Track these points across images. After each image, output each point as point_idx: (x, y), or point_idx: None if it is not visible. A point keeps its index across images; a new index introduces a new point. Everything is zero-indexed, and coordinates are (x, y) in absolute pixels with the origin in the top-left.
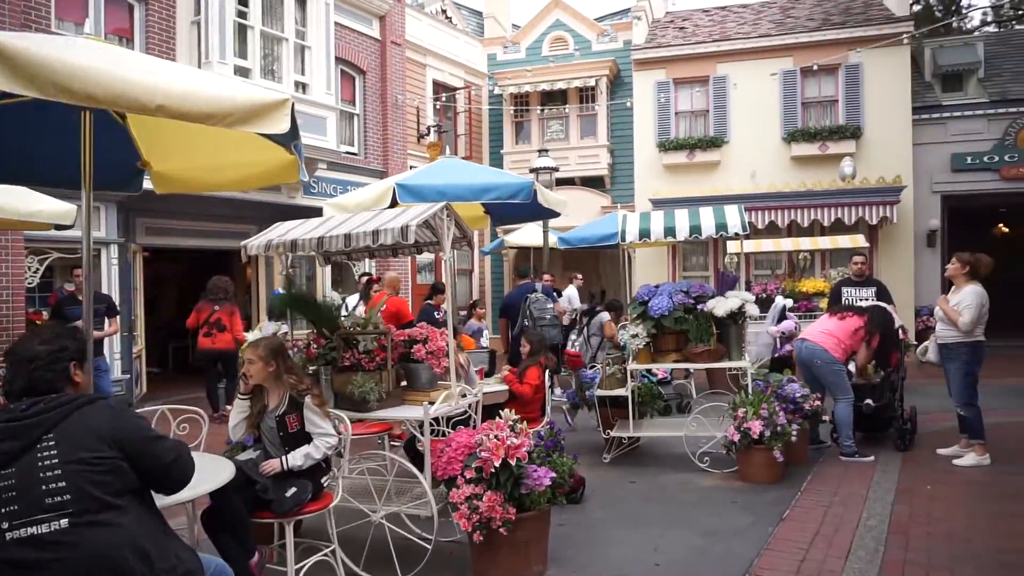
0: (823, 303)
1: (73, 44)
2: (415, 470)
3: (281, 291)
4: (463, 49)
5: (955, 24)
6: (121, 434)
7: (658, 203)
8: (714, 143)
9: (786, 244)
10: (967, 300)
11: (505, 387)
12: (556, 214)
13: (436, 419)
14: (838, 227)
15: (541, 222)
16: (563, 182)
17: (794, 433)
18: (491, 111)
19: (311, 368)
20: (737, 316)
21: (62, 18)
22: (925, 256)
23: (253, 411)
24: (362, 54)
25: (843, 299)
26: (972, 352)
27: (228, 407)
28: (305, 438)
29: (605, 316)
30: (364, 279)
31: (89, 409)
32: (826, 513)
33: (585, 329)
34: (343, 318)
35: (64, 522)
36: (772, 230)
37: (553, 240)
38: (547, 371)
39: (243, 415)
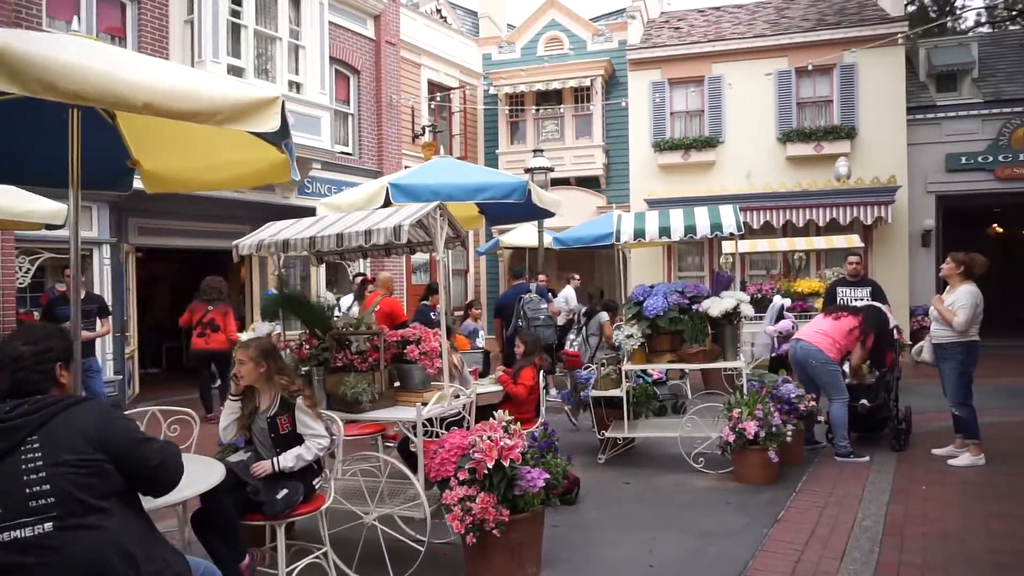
0: (818, 303)
1: (59, 41)
2: (408, 471)
3: (275, 291)
4: (458, 49)
5: (949, 24)
6: (107, 436)
7: (653, 203)
8: (709, 143)
9: (781, 244)
10: (962, 300)
11: (500, 388)
12: (551, 214)
13: (430, 420)
14: (833, 227)
15: (536, 222)
16: (558, 182)
17: (789, 434)
18: (486, 111)
19: (303, 369)
20: (732, 316)
21: (54, 16)
22: (920, 256)
23: (244, 412)
24: (356, 54)
25: (838, 299)
26: (967, 352)
27: (222, 408)
28: (297, 439)
29: (604, 316)
30: (358, 279)
31: (75, 411)
32: (821, 514)
33: (584, 329)
34: (337, 318)
35: (48, 526)
36: (767, 230)
37: (548, 240)
38: (541, 372)
39: (234, 416)
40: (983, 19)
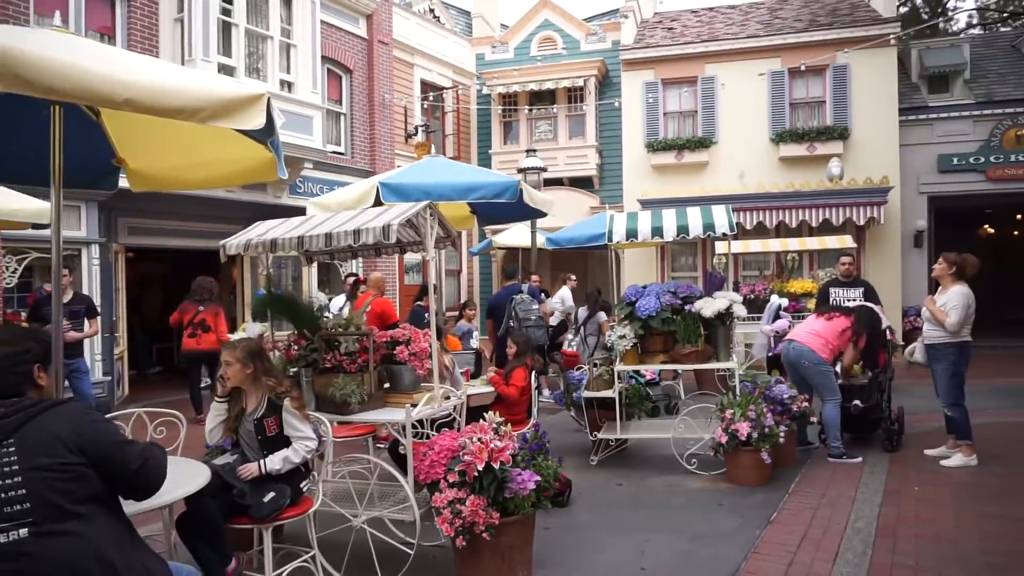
0: (811, 303)
1: (37, 35)
2: (398, 474)
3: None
4: (451, 49)
5: (941, 26)
6: (85, 439)
7: (646, 203)
8: (702, 143)
9: (774, 245)
10: (954, 301)
11: (491, 389)
12: (543, 214)
13: (420, 421)
14: (826, 228)
15: (529, 222)
16: (551, 182)
17: (782, 435)
18: (479, 111)
19: (292, 370)
20: (725, 317)
21: (42, 14)
22: (912, 257)
23: (231, 414)
24: (349, 53)
25: (831, 300)
26: (959, 352)
27: None
28: (284, 442)
29: (603, 316)
30: (350, 280)
31: (52, 413)
32: (814, 515)
33: (582, 329)
34: (327, 319)
35: (24, 532)
36: (760, 231)
37: (541, 240)
38: (533, 372)
39: (220, 418)
40: (974, 21)
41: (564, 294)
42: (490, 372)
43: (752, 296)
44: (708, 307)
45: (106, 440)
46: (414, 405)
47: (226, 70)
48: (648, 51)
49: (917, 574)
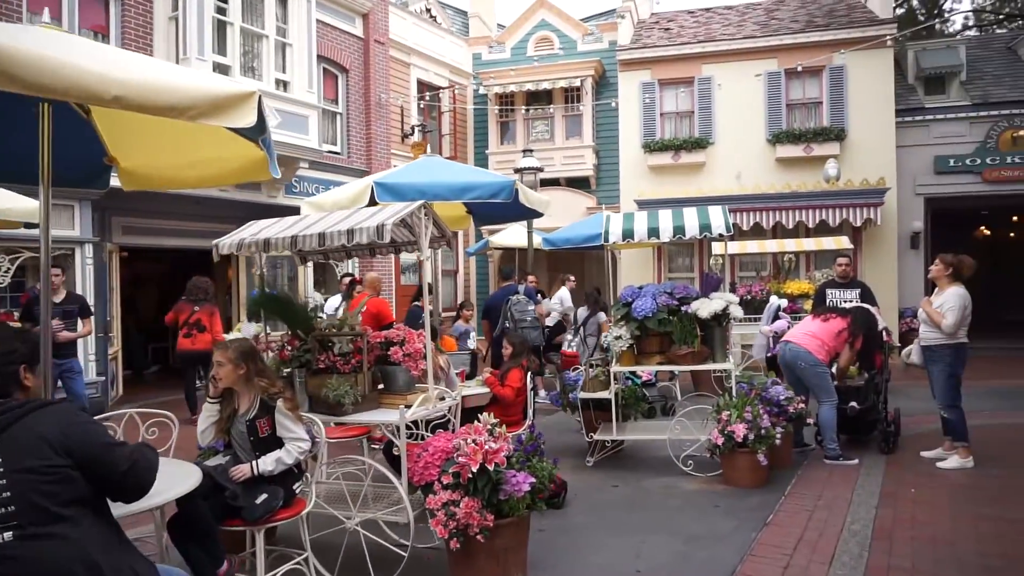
0: (807, 304)
1: (25, 31)
2: (391, 475)
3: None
4: (448, 48)
5: (937, 27)
6: (72, 441)
7: (643, 204)
8: (699, 144)
9: (771, 246)
10: (950, 302)
11: (487, 389)
12: (539, 214)
13: (415, 423)
14: (822, 229)
15: (526, 223)
16: (548, 183)
17: (778, 436)
18: (476, 111)
19: (285, 370)
20: (721, 318)
21: (35, 11)
22: (908, 258)
23: (223, 415)
24: (345, 52)
25: (827, 301)
26: (955, 354)
27: None
28: (277, 443)
29: (603, 316)
30: (347, 280)
31: (38, 415)
32: (810, 518)
33: (582, 329)
34: (321, 319)
35: (8, 535)
36: (757, 231)
37: (537, 241)
38: (529, 373)
39: (212, 420)
40: (970, 23)
41: (563, 295)
42: (485, 373)
43: (749, 297)
44: (704, 308)
45: (94, 442)
46: (408, 406)
47: (221, 69)
48: (645, 51)
49: None
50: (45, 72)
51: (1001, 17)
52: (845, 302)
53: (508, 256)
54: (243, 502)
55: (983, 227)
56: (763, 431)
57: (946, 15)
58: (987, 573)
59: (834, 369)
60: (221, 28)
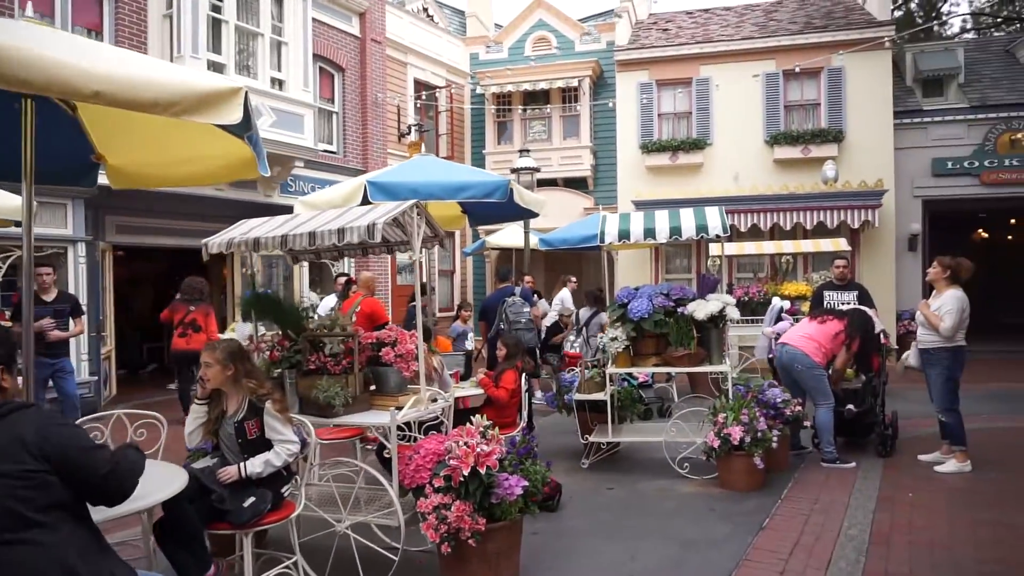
0: (804, 307)
1: (4, 26)
2: (382, 478)
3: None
4: (445, 48)
5: (935, 29)
6: (49, 445)
7: (640, 205)
8: (697, 145)
9: (768, 247)
10: (948, 305)
11: (480, 391)
12: (534, 214)
13: (407, 424)
14: (820, 230)
15: (522, 223)
16: (545, 183)
17: (775, 439)
18: (473, 111)
19: (275, 371)
20: (718, 320)
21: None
22: (906, 260)
23: (211, 416)
24: (341, 51)
25: (825, 303)
26: (953, 357)
27: None
28: (265, 445)
29: (605, 317)
30: (341, 280)
31: (15, 418)
32: (806, 522)
33: (584, 330)
34: (312, 319)
35: None
36: (755, 233)
37: (534, 241)
38: (524, 375)
39: (199, 421)
40: (968, 25)
41: (564, 295)
42: (480, 374)
43: (746, 298)
44: (701, 309)
45: (72, 445)
46: (399, 408)
47: (216, 67)
48: (643, 52)
49: None
50: (23, 66)
51: (999, 20)
52: (842, 304)
53: (505, 256)
54: (230, 505)
55: (981, 230)
56: (759, 434)
57: (944, 17)
58: None
59: (831, 371)
60: (216, 26)
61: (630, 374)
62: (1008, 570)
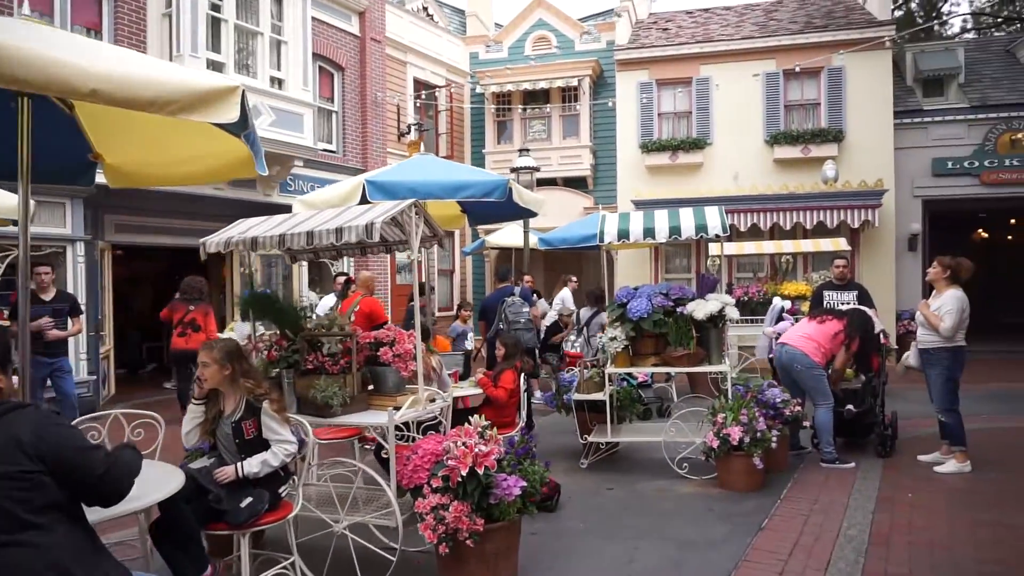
0: (804, 306)
1: (3, 25)
2: (379, 478)
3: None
4: (445, 47)
5: (936, 29)
6: (44, 445)
7: (640, 204)
8: (697, 145)
9: (768, 247)
10: (948, 305)
11: (480, 390)
12: (533, 214)
13: (406, 424)
14: (820, 230)
15: (521, 222)
16: (545, 182)
17: (774, 439)
18: (473, 110)
19: (273, 371)
20: (717, 319)
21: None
22: (906, 260)
23: (208, 416)
24: (341, 50)
25: (824, 303)
26: (953, 357)
27: None
28: (263, 445)
29: (605, 316)
30: (341, 279)
31: (11, 418)
32: (806, 522)
33: (585, 329)
34: (310, 318)
35: None
36: (754, 232)
37: (534, 241)
38: (522, 374)
39: (196, 421)
40: (968, 25)
41: (565, 295)
42: (478, 374)
43: (746, 298)
44: (700, 309)
45: (68, 446)
46: (397, 408)
47: (215, 66)
48: (643, 51)
49: None
50: (21, 65)
51: (1000, 20)
52: (842, 304)
53: (504, 256)
54: (227, 505)
55: (981, 230)
56: (759, 434)
57: (944, 17)
58: None
59: (830, 372)
60: (215, 25)
61: (629, 374)
62: (1008, 571)
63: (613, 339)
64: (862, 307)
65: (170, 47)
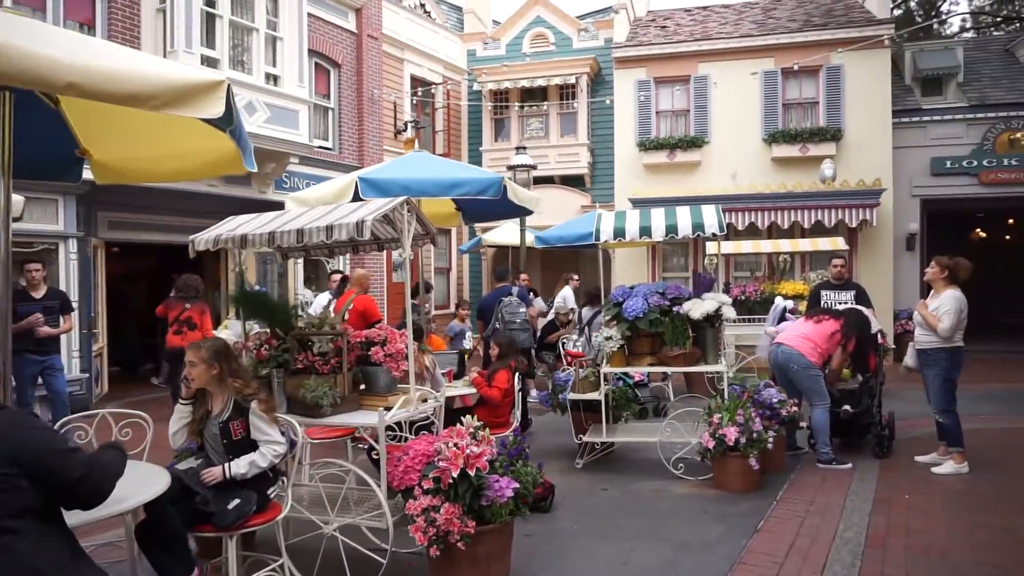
0: (801, 306)
1: None
2: (370, 479)
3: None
4: (442, 44)
5: (935, 28)
6: (19, 448)
7: (638, 203)
8: (695, 143)
9: (766, 246)
10: (946, 305)
11: (473, 390)
12: (529, 212)
13: (398, 424)
14: (818, 229)
15: (518, 220)
16: (542, 180)
17: (770, 440)
18: (470, 108)
19: (263, 371)
20: (713, 319)
21: (18, 2)
22: (904, 260)
23: (195, 416)
24: (337, 47)
25: (822, 302)
26: (951, 358)
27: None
28: (251, 446)
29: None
30: (336, 277)
31: None
32: (802, 524)
33: (587, 329)
34: (302, 317)
35: None
36: (752, 231)
37: (531, 239)
38: (517, 374)
39: (184, 421)
40: (968, 25)
41: (566, 293)
42: (473, 373)
43: (743, 298)
44: (696, 309)
45: (44, 448)
46: (388, 408)
47: (210, 62)
48: (641, 49)
49: None
50: None
51: (999, 19)
52: (840, 304)
53: (501, 254)
54: (214, 507)
55: (979, 229)
56: (755, 435)
57: (944, 16)
58: None
59: (827, 372)
60: (210, 20)
61: (626, 373)
62: (1006, 574)
63: (609, 338)
64: (859, 307)
65: (164, 43)
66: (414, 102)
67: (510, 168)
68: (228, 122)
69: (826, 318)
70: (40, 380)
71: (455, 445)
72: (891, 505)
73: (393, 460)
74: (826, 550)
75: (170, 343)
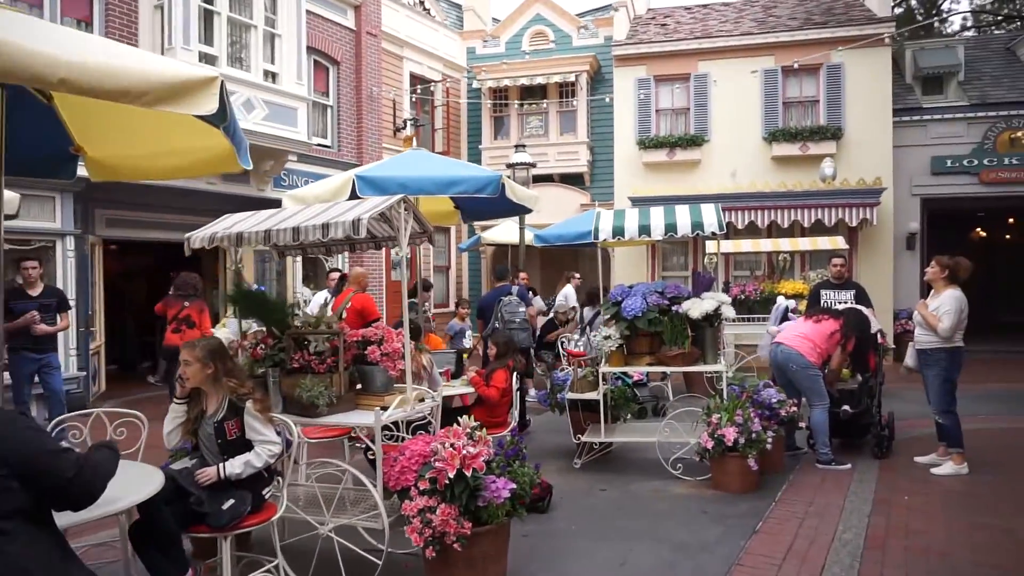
0: (801, 305)
1: None
2: (366, 480)
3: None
4: (441, 42)
5: (936, 27)
6: (9, 449)
7: (637, 201)
8: (694, 141)
9: (766, 245)
10: (947, 305)
11: (471, 389)
12: (528, 210)
13: (395, 424)
14: (818, 228)
15: (517, 219)
16: (542, 179)
17: (769, 440)
18: (469, 106)
19: (259, 370)
20: (713, 318)
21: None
22: (904, 259)
23: (190, 416)
24: (336, 44)
25: (822, 301)
26: (951, 358)
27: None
28: (245, 446)
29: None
30: (334, 275)
31: None
32: (800, 525)
33: (588, 328)
34: (298, 315)
35: None
36: (752, 230)
37: (530, 237)
38: (515, 374)
39: (178, 421)
40: (969, 23)
41: (568, 292)
42: (470, 372)
43: (743, 297)
44: (695, 308)
45: (35, 449)
46: (384, 408)
47: (208, 59)
48: (641, 47)
49: None
50: None
51: (1000, 18)
52: (839, 303)
53: (501, 253)
54: (208, 508)
55: (979, 229)
56: (754, 435)
57: (944, 15)
58: None
59: (826, 372)
60: (208, 17)
61: (625, 372)
62: (1005, 575)
63: (607, 338)
64: (859, 306)
65: (162, 40)
66: (413, 100)
67: (509, 166)
68: (222, 119)
69: (825, 318)
70: (37, 378)
71: (452, 445)
72: (890, 506)
73: (389, 460)
74: (825, 552)
75: (168, 341)
